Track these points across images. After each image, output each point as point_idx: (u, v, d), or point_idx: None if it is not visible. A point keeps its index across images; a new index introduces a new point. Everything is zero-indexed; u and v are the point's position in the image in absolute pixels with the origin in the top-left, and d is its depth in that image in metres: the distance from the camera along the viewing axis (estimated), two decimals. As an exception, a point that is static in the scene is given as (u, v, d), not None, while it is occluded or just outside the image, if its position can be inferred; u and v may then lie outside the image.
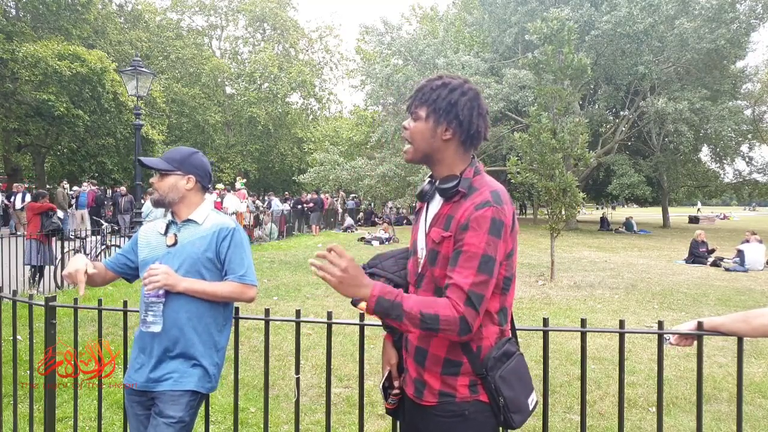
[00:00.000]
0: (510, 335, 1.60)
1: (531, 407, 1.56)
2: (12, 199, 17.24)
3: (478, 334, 1.48)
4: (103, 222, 10.74)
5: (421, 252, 1.58)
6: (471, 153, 1.60)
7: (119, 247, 9.48)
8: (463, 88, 1.54)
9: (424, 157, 1.58)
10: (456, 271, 1.42)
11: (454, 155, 1.56)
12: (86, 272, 2.02)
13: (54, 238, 8.54)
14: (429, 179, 1.65)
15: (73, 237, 9.05)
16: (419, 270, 1.59)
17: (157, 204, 2.16)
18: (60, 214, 9.15)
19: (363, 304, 1.48)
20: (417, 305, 1.41)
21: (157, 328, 1.99)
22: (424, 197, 1.63)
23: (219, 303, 2.12)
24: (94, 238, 9.45)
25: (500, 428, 1.55)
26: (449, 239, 1.47)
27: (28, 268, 8.30)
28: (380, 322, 1.64)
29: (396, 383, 1.73)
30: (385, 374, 1.76)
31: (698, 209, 50.36)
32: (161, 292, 1.95)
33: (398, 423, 1.82)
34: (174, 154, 2.17)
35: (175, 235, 2.11)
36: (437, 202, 1.57)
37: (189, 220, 2.13)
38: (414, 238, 1.66)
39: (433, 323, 1.40)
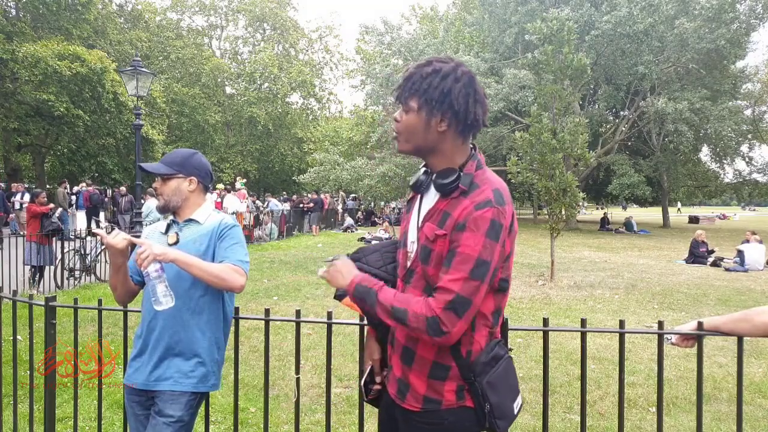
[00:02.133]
0: (499, 337, 1.55)
1: (516, 411, 1.53)
2: (12, 200, 17.27)
3: (468, 338, 1.43)
4: (101, 221, 10.72)
5: (411, 246, 1.52)
6: (470, 142, 1.49)
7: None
8: (456, 74, 1.40)
9: (419, 150, 1.47)
10: (448, 273, 1.35)
11: (452, 146, 1.45)
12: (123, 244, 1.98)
13: (54, 238, 8.54)
14: (424, 169, 1.55)
15: (72, 237, 9.05)
16: (409, 264, 1.52)
17: (162, 210, 2.16)
18: (58, 212, 9.15)
19: (347, 299, 1.51)
20: (392, 298, 1.42)
21: (171, 302, 1.94)
22: (419, 188, 1.53)
23: (220, 301, 2.12)
24: (94, 238, 9.44)
25: None
26: (444, 238, 1.38)
27: (27, 268, 8.30)
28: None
29: (378, 378, 1.71)
30: (367, 370, 1.76)
31: (678, 209, 48.85)
32: (158, 266, 1.91)
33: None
34: (174, 156, 2.18)
35: (177, 234, 2.12)
36: (433, 196, 1.49)
37: (191, 220, 2.15)
38: (404, 229, 1.60)
39: (401, 317, 1.39)
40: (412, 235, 1.52)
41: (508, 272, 1.47)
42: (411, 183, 1.56)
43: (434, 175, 1.47)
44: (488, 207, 1.35)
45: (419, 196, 1.56)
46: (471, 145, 1.50)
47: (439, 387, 1.45)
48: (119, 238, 1.95)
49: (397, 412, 1.56)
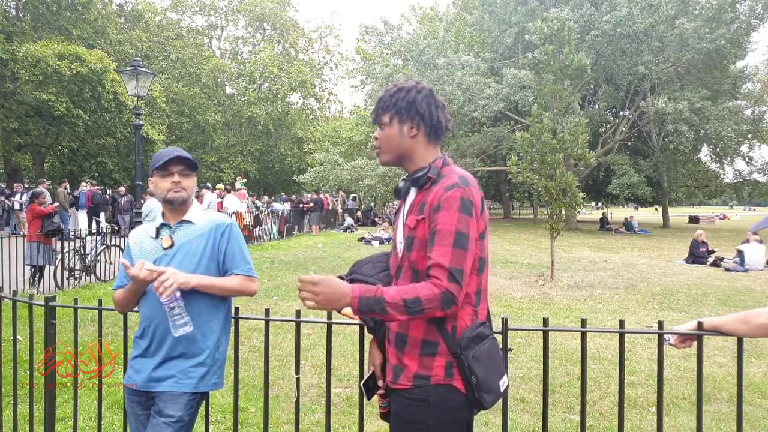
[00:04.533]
0: (484, 319, 1.64)
1: (502, 389, 1.62)
2: (13, 199, 17.29)
3: (453, 314, 1.54)
4: (101, 222, 10.73)
5: (400, 246, 1.65)
6: (438, 146, 1.70)
7: (119, 247, 9.48)
8: (417, 88, 1.65)
9: (398, 158, 1.67)
10: (434, 251, 1.49)
11: (424, 150, 1.66)
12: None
13: (54, 238, 8.54)
14: (403, 178, 1.72)
15: (72, 237, 9.05)
16: (398, 262, 1.66)
17: (182, 204, 2.08)
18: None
19: (347, 310, 1.52)
20: (398, 294, 1.48)
21: (189, 329, 1.94)
22: (400, 194, 1.71)
23: (221, 301, 2.12)
24: (94, 238, 9.44)
25: (466, 418, 1.59)
26: (423, 222, 1.55)
27: (28, 268, 8.30)
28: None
29: (380, 383, 1.79)
30: (368, 374, 1.82)
31: (656, 209, 46.24)
32: (178, 294, 1.91)
33: None
34: (185, 154, 2.13)
35: (171, 237, 2.09)
36: (412, 195, 1.66)
37: (184, 221, 2.11)
38: (394, 235, 1.73)
39: (416, 306, 1.46)
40: (400, 237, 1.67)
41: (484, 253, 1.60)
42: (394, 191, 1.75)
43: (409, 176, 1.68)
44: (456, 187, 1.52)
45: (403, 202, 1.72)
46: (439, 150, 1.70)
47: (429, 362, 1.56)
48: (144, 271, 1.92)
49: (392, 399, 1.66)
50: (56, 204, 8.91)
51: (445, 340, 1.55)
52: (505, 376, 1.66)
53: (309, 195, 23.19)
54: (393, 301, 1.47)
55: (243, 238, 2.19)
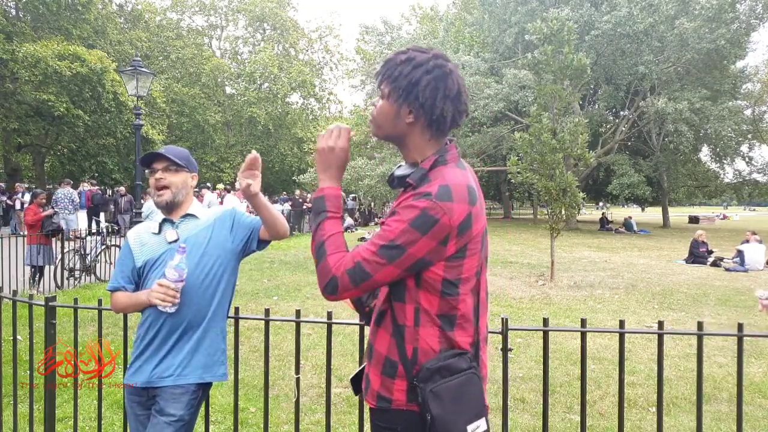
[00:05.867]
0: (468, 349, 1.40)
1: None
2: (14, 199, 17.32)
3: (412, 333, 1.37)
4: (101, 222, 10.72)
5: None
6: (442, 139, 1.44)
7: (119, 247, 9.48)
8: (428, 66, 1.36)
9: (390, 138, 1.46)
10: (364, 245, 1.36)
11: (421, 141, 1.42)
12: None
13: (54, 238, 8.54)
14: (397, 166, 1.52)
15: (72, 237, 9.05)
16: None
17: (169, 206, 2.09)
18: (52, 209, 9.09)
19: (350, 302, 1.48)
20: (329, 235, 1.39)
21: (174, 309, 1.98)
22: (392, 185, 1.51)
23: (227, 298, 2.13)
24: (94, 238, 9.44)
25: None
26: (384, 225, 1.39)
27: (29, 268, 8.30)
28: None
29: None
30: (359, 368, 1.75)
31: (633, 213, 44.39)
32: (177, 276, 1.92)
33: None
34: (179, 152, 2.14)
35: (175, 231, 2.10)
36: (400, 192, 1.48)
37: (188, 215, 2.13)
38: None
39: (320, 255, 1.38)
40: None
41: (458, 275, 1.35)
42: (387, 179, 1.53)
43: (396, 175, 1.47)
44: (423, 199, 1.30)
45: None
46: (443, 142, 1.45)
47: (390, 385, 1.40)
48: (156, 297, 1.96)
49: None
50: (50, 211, 8.82)
51: (403, 364, 1.37)
52: (483, 419, 1.37)
53: (309, 195, 23.17)
54: (324, 231, 1.40)
55: None
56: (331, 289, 1.35)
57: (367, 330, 1.75)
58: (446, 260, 1.33)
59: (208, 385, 2.11)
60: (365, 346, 1.58)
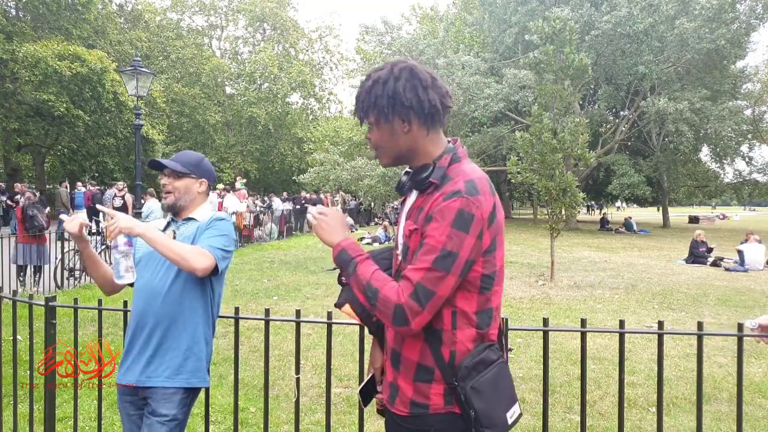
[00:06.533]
0: (495, 339, 1.45)
1: (511, 421, 1.41)
2: (15, 199, 17.33)
3: (449, 337, 1.37)
4: (101, 221, 10.69)
5: (400, 247, 1.52)
6: (441, 130, 1.47)
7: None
8: (393, 75, 1.40)
9: (399, 158, 1.48)
10: (413, 263, 1.33)
11: (425, 142, 1.44)
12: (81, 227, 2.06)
13: (53, 238, 8.51)
14: (406, 171, 1.54)
15: (68, 238, 9.02)
16: (396, 266, 1.52)
17: (170, 209, 2.18)
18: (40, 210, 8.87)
19: (348, 308, 1.49)
20: (370, 275, 1.37)
21: (131, 278, 2.01)
22: (402, 190, 1.53)
23: (208, 296, 2.13)
24: (94, 238, 9.43)
25: None
26: (416, 233, 1.37)
27: (15, 267, 8.20)
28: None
29: (380, 387, 1.68)
30: (367, 378, 1.73)
31: (617, 207, 43.09)
32: (126, 239, 1.95)
33: None
34: (188, 158, 2.22)
35: (174, 232, 2.16)
36: (414, 195, 1.49)
37: (190, 218, 2.18)
38: (397, 231, 1.61)
39: (373, 297, 1.35)
40: (401, 237, 1.52)
41: (493, 267, 1.39)
42: (396, 186, 1.56)
43: (411, 174, 1.48)
44: (456, 197, 1.32)
45: (405, 198, 1.56)
46: (449, 140, 1.49)
47: (426, 390, 1.39)
48: (74, 223, 2.02)
49: (387, 417, 1.54)
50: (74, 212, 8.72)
51: (441, 368, 1.38)
52: (516, 404, 1.45)
53: (309, 195, 23.17)
54: (361, 275, 1.38)
55: (230, 231, 2.16)
56: (400, 320, 1.31)
57: (368, 330, 1.74)
58: (483, 255, 1.36)
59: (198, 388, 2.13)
60: (388, 352, 1.54)
